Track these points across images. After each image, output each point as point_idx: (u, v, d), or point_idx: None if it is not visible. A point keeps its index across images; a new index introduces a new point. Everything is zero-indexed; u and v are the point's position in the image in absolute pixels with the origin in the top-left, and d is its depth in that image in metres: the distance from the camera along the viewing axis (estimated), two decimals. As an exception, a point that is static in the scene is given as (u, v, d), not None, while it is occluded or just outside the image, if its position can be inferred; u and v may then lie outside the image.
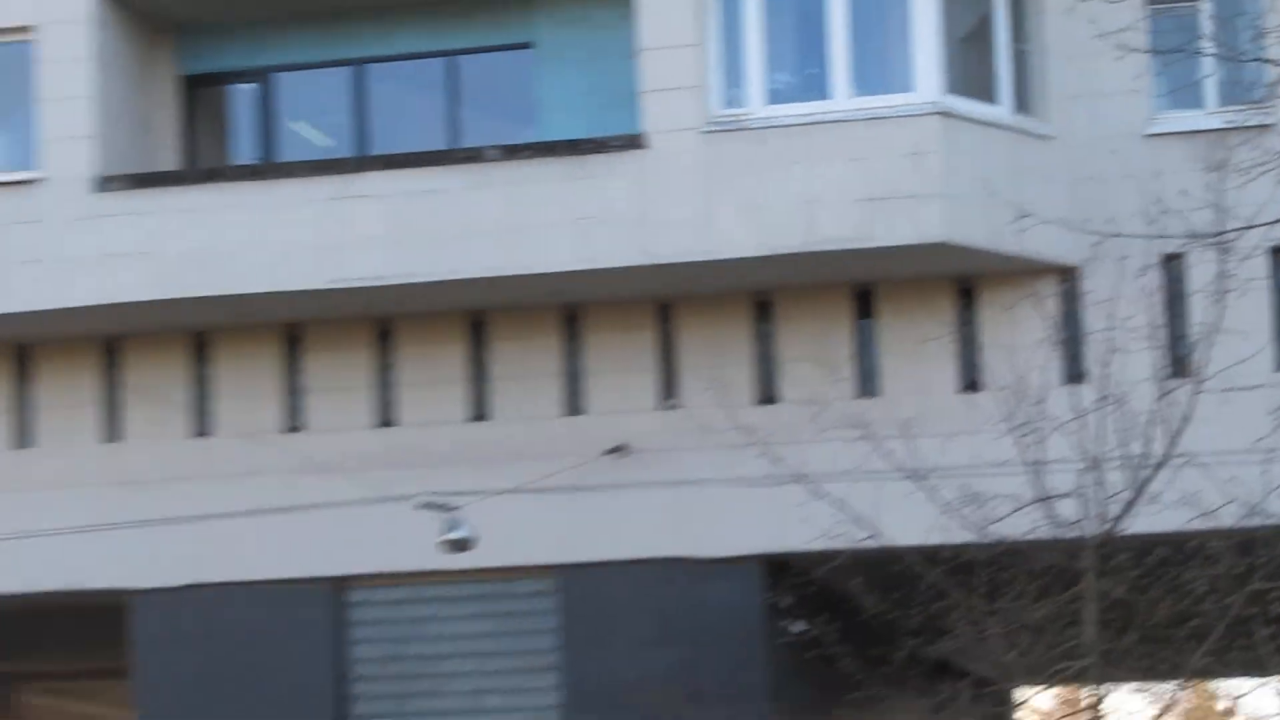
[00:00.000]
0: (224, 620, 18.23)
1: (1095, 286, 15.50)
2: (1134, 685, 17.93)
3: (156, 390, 18.43)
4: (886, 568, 15.06)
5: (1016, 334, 16.08)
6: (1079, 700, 18.62)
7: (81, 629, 21.21)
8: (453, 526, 16.79)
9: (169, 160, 19.03)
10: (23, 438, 18.76)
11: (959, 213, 15.76)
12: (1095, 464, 13.69)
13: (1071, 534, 13.96)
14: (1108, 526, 13.70)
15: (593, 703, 17.58)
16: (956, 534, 14.54)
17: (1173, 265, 16.07)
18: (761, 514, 16.15)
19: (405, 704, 18.43)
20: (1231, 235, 12.69)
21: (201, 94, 19.55)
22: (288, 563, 18.05)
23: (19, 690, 26.55)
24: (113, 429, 18.78)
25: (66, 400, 18.69)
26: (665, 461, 17.24)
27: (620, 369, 17.89)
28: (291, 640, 18.22)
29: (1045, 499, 13.97)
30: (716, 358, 17.26)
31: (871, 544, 14.70)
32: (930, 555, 14.50)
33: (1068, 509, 13.92)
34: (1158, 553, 13.76)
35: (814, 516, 14.71)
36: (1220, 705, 41.42)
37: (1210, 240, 12.83)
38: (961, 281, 16.80)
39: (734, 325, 17.66)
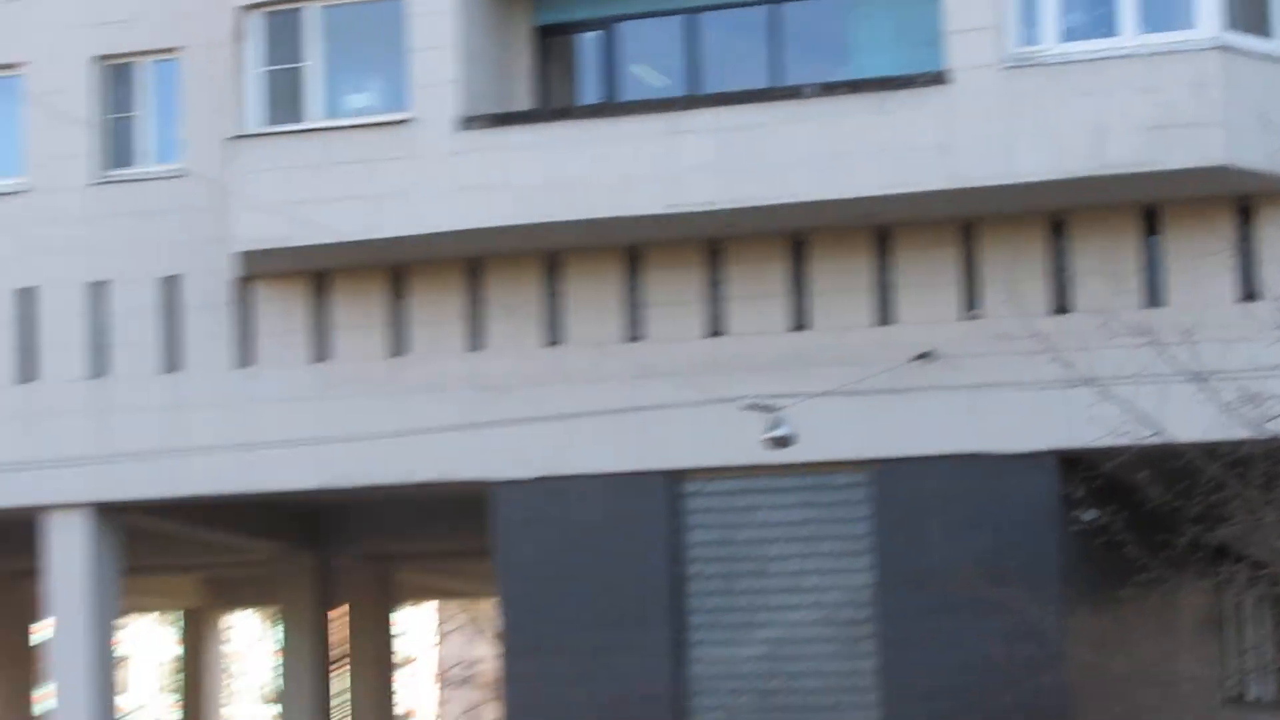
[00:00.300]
0: (573, 508, 21.91)
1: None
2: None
3: (514, 305, 21.91)
4: (1169, 462, 17.27)
5: (1292, 248, 18.58)
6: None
7: (450, 515, 25.71)
8: (776, 425, 19.73)
9: (523, 101, 22.41)
10: (399, 347, 22.53)
11: (1237, 139, 17.76)
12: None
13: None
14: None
15: (902, 583, 20.56)
16: (1235, 431, 16.61)
17: None
18: (1055, 414, 18.60)
19: (733, 584, 21.80)
20: None
21: (552, 42, 22.73)
22: (630, 458, 21.45)
23: (398, 568, 32.10)
24: (476, 339, 22.35)
25: (436, 315, 22.41)
26: (967, 366, 19.89)
27: (926, 283, 20.55)
28: (633, 527, 21.75)
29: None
30: (1014, 272, 19.78)
31: (1156, 440, 16.92)
32: (1210, 450, 16.61)
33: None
34: None
35: (1103, 416, 17.04)
36: None
37: None
38: (1240, 201, 18.92)
39: (1030, 243, 20.11)
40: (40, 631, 27.69)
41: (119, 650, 25.93)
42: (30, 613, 28.94)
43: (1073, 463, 19.38)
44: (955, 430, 20.35)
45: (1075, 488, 19.24)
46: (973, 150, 19.18)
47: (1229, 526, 18.39)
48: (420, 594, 41.56)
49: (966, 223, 20.39)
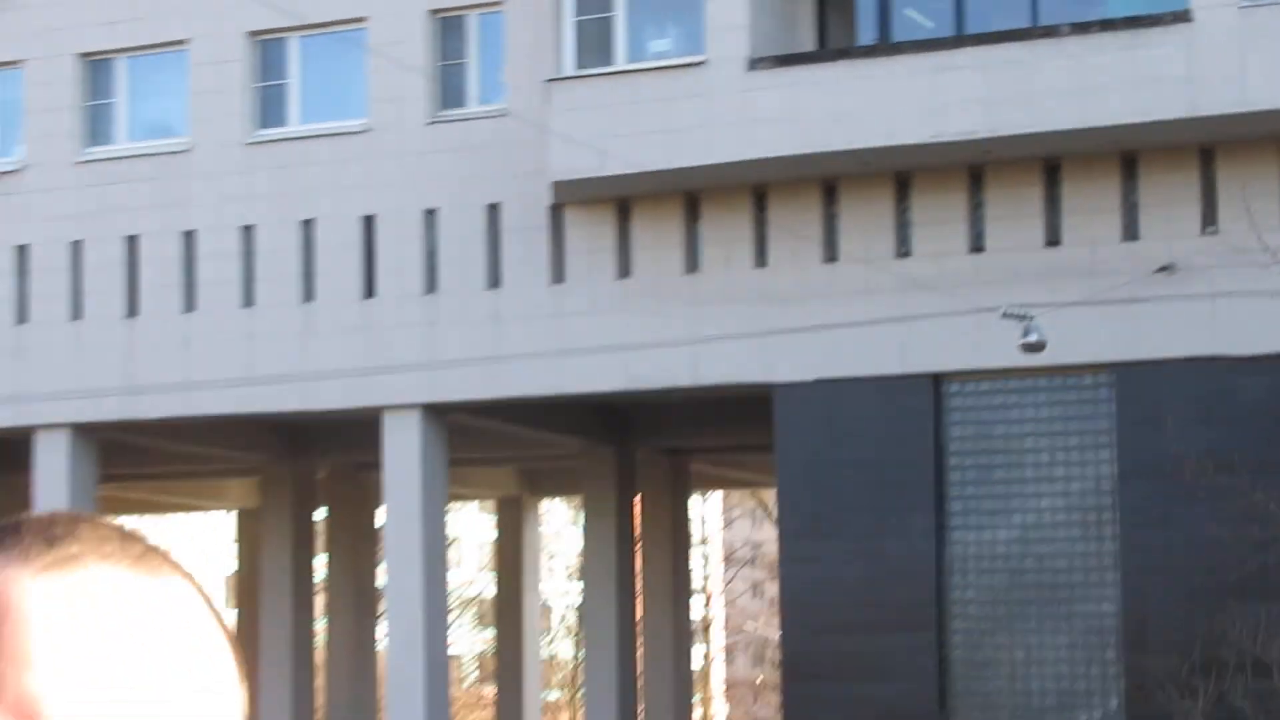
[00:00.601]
0: (846, 408, 24.46)
1: None
2: None
3: (794, 226, 24.57)
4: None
5: None
6: None
7: (737, 413, 28.32)
8: (1029, 332, 21.86)
9: (806, 43, 25.09)
10: (693, 264, 25.51)
11: None
12: None
13: None
14: None
15: (1142, 472, 22.89)
16: None
17: None
18: (1285, 320, 20.66)
19: (988, 474, 24.34)
20: None
21: (833, -12, 25.10)
22: (897, 362, 24.02)
23: (691, 460, 34.93)
24: (760, 257, 25.09)
25: (725, 235, 25.28)
26: (1204, 277, 22.12)
27: (1168, 202, 22.79)
28: (899, 424, 24.27)
29: None
30: (1248, 191, 21.71)
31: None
32: None
33: None
34: None
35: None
36: None
37: None
38: None
39: (1264, 164, 22.36)
40: (379, 516, 31.90)
41: (447, 533, 29.48)
42: (370, 500, 33.19)
43: (1300, 364, 21.34)
44: (1192, 335, 22.53)
45: (1302, 387, 21.13)
46: (1212, 81, 21.30)
47: None
48: (709, 484, 43.87)
49: (1205, 147, 22.55)
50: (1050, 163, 23.82)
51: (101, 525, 1.01)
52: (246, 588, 38.73)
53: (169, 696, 0.96)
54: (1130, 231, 23.41)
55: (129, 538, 1.01)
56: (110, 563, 0.98)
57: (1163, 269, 22.70)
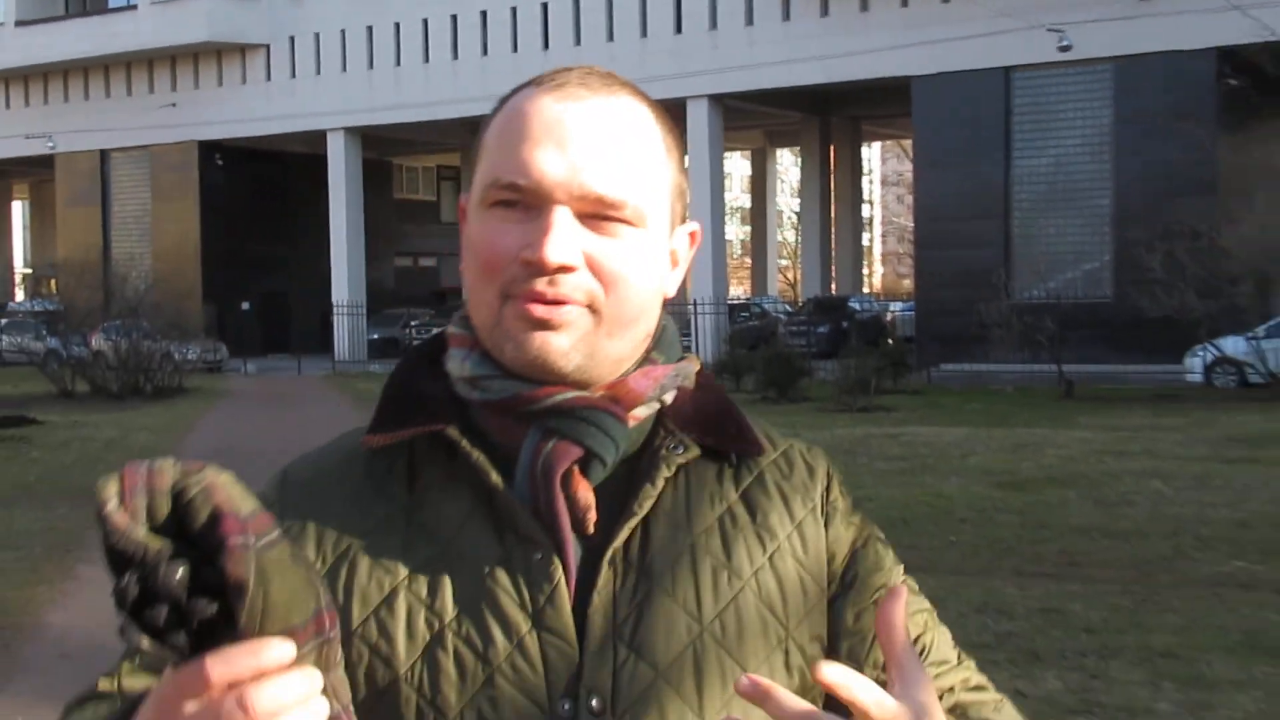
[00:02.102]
0: (956, 89, 33.56)
1: None
2: None
3: None
4: None
5: None
6: None
7: (891, 94, 37.65)
8: (1063, 40, 31.99)
9: None
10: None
11: None
12: None
13: None
14: None
15: (1127, 119, 31.57)
16: None
17: None
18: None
19: (1038, 128, 33.88)
20: None
21: None
22: (982, 60, 34.21)
23: (863, 122, 46.82)
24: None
25: None
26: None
27: None
28: (985, 101, 33.61)
29: None
30: None
31: None
32: None
33: None
34: None
35: None
36: None
37: None
38: None
39: None
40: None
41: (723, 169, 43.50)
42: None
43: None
44: (1168, 39, 31.43)
45: None
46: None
47: None
48: (874, 136, 56.07)
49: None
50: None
51: (591, 70, 1.26)
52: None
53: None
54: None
55: (599, 73, 1.26)
56: (586, 86, 1.23)
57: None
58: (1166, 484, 13.65)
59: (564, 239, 1.16)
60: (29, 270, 66.48)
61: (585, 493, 1.20)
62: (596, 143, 1.19)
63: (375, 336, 45.54)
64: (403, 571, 1.20)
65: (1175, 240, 27.33)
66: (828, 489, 1.31)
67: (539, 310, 1.17)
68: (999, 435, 18.74)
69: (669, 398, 1.27)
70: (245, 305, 49.14)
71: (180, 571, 0.89)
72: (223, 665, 0.88)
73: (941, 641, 1.32)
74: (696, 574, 1.21)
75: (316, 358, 43.54)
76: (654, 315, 1.27)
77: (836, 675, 0.98)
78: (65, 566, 10.50)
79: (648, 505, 1.21)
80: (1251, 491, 13.07)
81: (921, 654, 1.26)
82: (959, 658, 1.33)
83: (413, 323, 45.49)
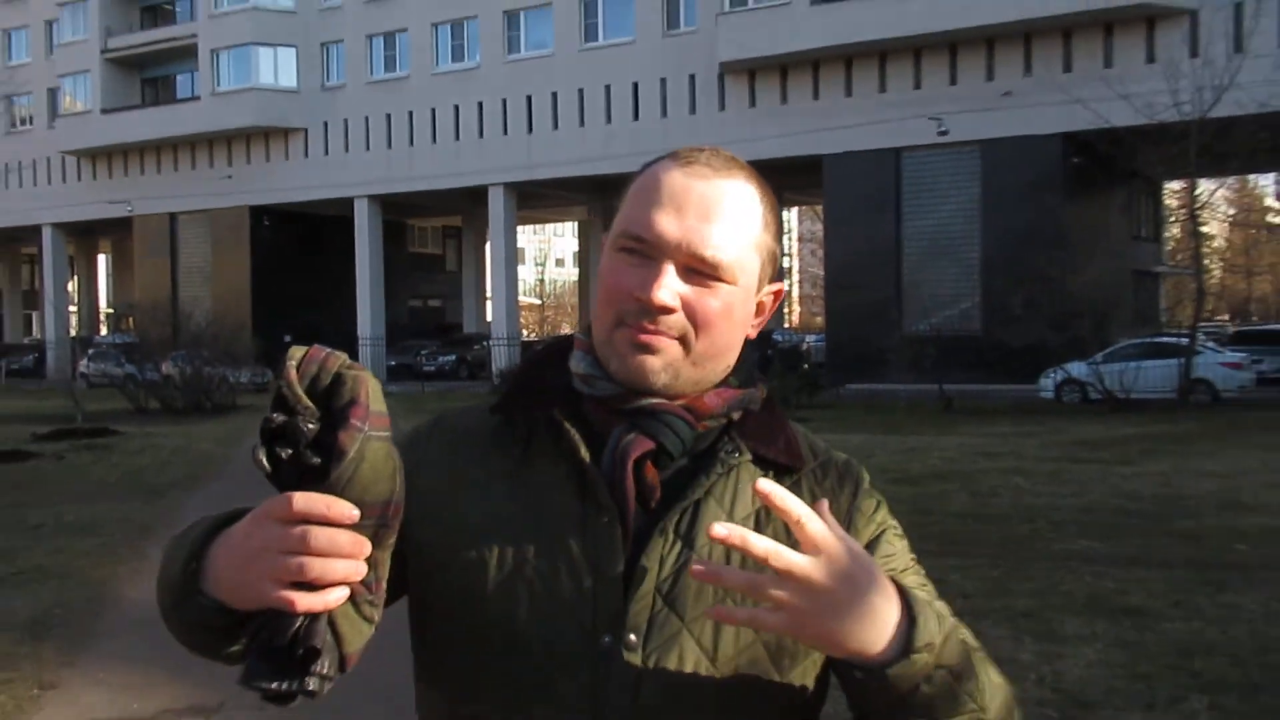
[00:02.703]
0: (853, 166, 34.31)
1: None
2: None
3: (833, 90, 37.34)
4: None
5: None
6: None
7: (800, 171, 38.09)
8: (941, 127, 34.25)
9: None
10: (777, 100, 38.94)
11: None
12: None
13: None
14: None
15: (993, 196, 31.98)
16: None
17: None
18: None
19: (922, 195, 34.45)
20: None
21: None
22: (878, 141, 37.48)
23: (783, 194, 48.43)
24: (814, 94, 36.74)
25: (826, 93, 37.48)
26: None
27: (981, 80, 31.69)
28: (880, 173, 35.10)
29: None
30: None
31: None
32: None
33: None
34: None
35: None
36: None
37: None
38: None
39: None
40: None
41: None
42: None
43: None
44: (1020, 125, 32.10)
45: None
46: None
47: None
48: (790, 203, 56.32)
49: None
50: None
51: (717, 152, 1.26)
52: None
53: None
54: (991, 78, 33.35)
55: (722, 155, 1.27)
56: (710, 166, 1.24)
57: (1006, 95, 32.67)
58: (1026, 479, 13.72)
59: (669, 287, 1.22)
60: (111, 310, 66.19)
61: (653, 477, 1.25)
62: (707, 214, 1.23)
63: (393, 363, 45.70)
64: (504, 512, 1.26)
65: (1031, 285, 27.60)
66: (855, 495, 1.35)
67: (642, 337, 1.23)
68: (893, 441, 18.80)
69: (736, 415, 1.31)
70: (287, 338, 48.81)
71: (309, 427, 0.98)
72: (303, 501, 0.98)
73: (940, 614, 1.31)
74: (729, 551, 1.23)
75: (345, 380, 43.43)
76: (735, 351, 1.31)
77: (768, 485, 1.07)
78: (139, 549, 10.41)
79: (700, 492, 1.26)
80: (1093, 485, 13.17)
81: None
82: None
83: (423, 352, 45.56)
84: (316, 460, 0.98)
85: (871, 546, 1.31)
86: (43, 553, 10.12)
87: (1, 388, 36.95)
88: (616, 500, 1.23)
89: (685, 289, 1.23)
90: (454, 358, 45.94)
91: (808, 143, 35.74)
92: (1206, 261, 35.13)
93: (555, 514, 1.24)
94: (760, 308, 1.33)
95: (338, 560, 0.99)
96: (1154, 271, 41.26)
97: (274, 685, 1.02)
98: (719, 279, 1.24)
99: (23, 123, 54.20)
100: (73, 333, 57.66)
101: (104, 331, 61.04)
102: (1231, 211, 66.77)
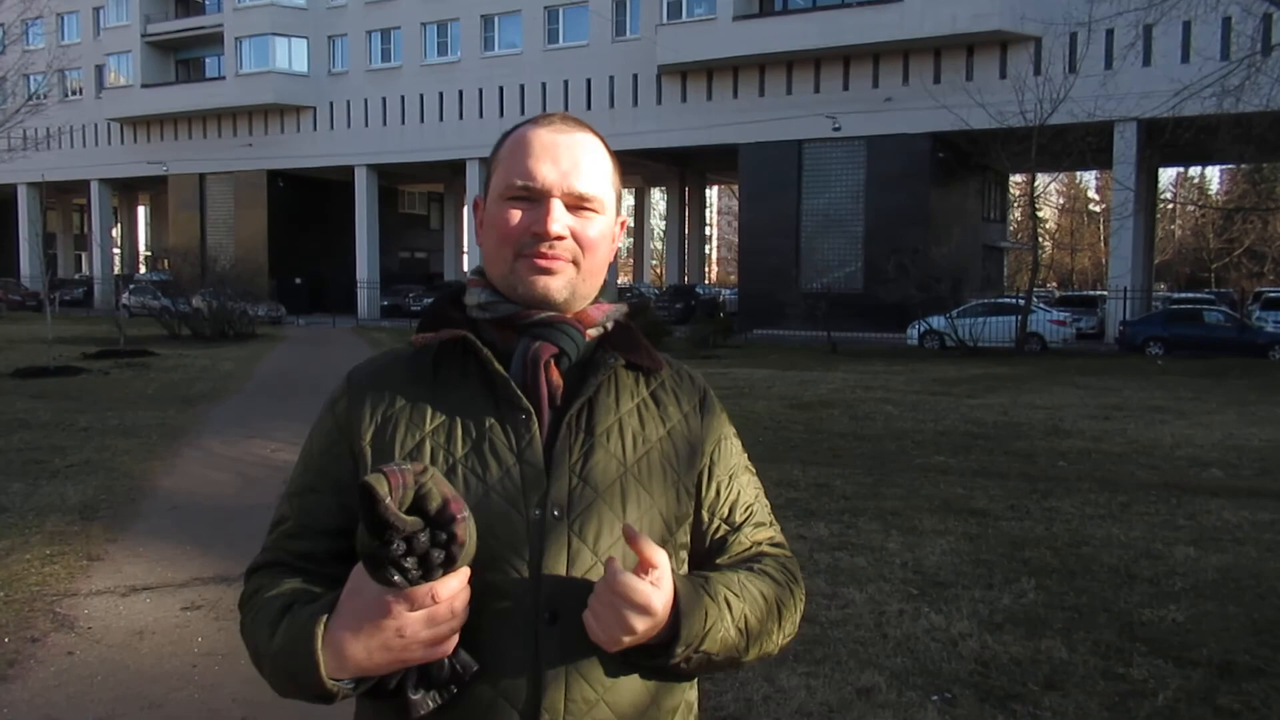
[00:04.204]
0: (767, 154, 34.87)
1: None
2: None
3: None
4: None
5: None
6: None
7: (727, 156, 39.77)
8: (836, 124, 33.62)
9: None
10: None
11: None
12: None
13: None
14: None
15: (876, 183, 31.22)
16: None
17: None
18: None
19: (800, 180, 35.99)
20: None
21: None
22: (785, 134, 36.98)
23: (706, 173, 48.03)
24: (741, 89, 37.00)
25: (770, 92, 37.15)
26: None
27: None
28: (782, 162, 34.86)
29: None
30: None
31: None
32: None
33: None
34: None
35: None
36: None
37: None
38: None
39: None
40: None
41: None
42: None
43: None
44: (900, 123, 31.28)
45: None
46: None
47: None
48: (715, 181, 54.97)
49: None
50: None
51: (566, 116, 1.26)
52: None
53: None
54: (876, 86, 32.46)
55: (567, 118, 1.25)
56: (566, 124, 1.25)
57: (887, 100, 32.07)
58: (895, 407, 13.83)
59: (560, 219, 1.21)
60: (149, 252, 64.65)
61: (557, 377, 1.24)
62: (576, 160, 1.23)
63: (385, 303, 45.08)
64: (429, 426, 1.22)
65: (902, 254, 27.57)
66: (704, 396, 1.34)
67: (541, 262, 1.21)
68: (791, 375, 18.87)
69: (610, 326, 1.30)
70: (298, 280, 48.48)
71: (423, 540, 1.00)
72: (444, 589, 1.05)
73: (761, 509, 1.36)
74: (623, 436, 1.25)
75: (345, 317, 43.31)
76: (605, 270, 1.30)
77: (632, 530, 1.13)
78: (174, 449, 10.18)
79: (591, 390, 1.24)
80: (947, 413, 13.29)
81: (749, 515, 1.33)
82: (771, 521, 1.37)
83: (410, 294, 44.91)
84: (442, 556, 1.02)
85: (718, 448, 1.31)
86: (91, 450, 9.85)
87: (56, 316, 36.11)
88: (530, 399, 1.21)
89: (571, 220, 1.22)
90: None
91: (728, 133, 34.90)
92: (1041, 239, 35.64)
93: (475, 420, 1.21)
94: (614, 236, 1.31)
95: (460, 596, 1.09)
96: (999, 246, 41.32)
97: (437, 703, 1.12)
98: (593, 210, 1.24)
99: (74, 93, 52.15)
100: (116, 271, 56.14)
101: (143, 270, 59.32)
102: (1062, 200, 67.90)
